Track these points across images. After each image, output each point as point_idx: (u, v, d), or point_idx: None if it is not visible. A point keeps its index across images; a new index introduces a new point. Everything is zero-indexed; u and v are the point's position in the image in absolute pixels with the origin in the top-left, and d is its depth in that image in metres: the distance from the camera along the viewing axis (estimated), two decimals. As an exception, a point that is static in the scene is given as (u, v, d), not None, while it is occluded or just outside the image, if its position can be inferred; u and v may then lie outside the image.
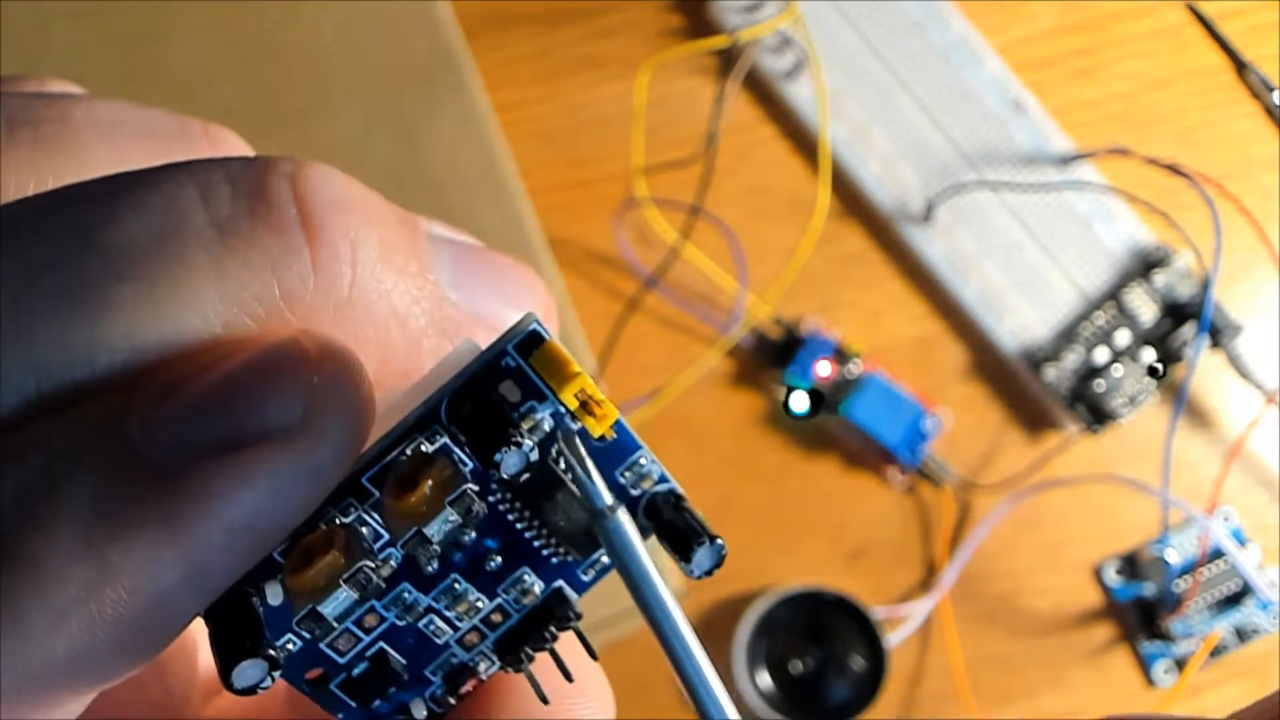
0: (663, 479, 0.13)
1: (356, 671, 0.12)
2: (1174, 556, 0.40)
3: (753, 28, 0.42)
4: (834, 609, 0.40)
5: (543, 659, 0.13)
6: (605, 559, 0.13)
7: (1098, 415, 0.41)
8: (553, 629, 0.13)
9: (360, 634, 0.12)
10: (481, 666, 0.13)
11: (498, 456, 0.11)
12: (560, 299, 0.42)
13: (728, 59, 0.43)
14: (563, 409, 0.12)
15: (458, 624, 0.13)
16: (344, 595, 0.11)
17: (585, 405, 0.12)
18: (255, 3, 0.42)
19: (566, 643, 0.13)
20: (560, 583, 0.13)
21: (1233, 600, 0.40)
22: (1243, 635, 0.40)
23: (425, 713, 0.13)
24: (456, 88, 0.42)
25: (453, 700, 0.13)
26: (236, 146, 0.14)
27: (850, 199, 0.43)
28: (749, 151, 0.43)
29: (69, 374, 0.10)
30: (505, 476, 0.11)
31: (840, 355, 0.41)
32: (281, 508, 0.10)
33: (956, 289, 0.42)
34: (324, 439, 0.10)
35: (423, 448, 0.12)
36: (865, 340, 0.42)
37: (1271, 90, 0.43)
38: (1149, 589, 0.41)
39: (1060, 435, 0.42)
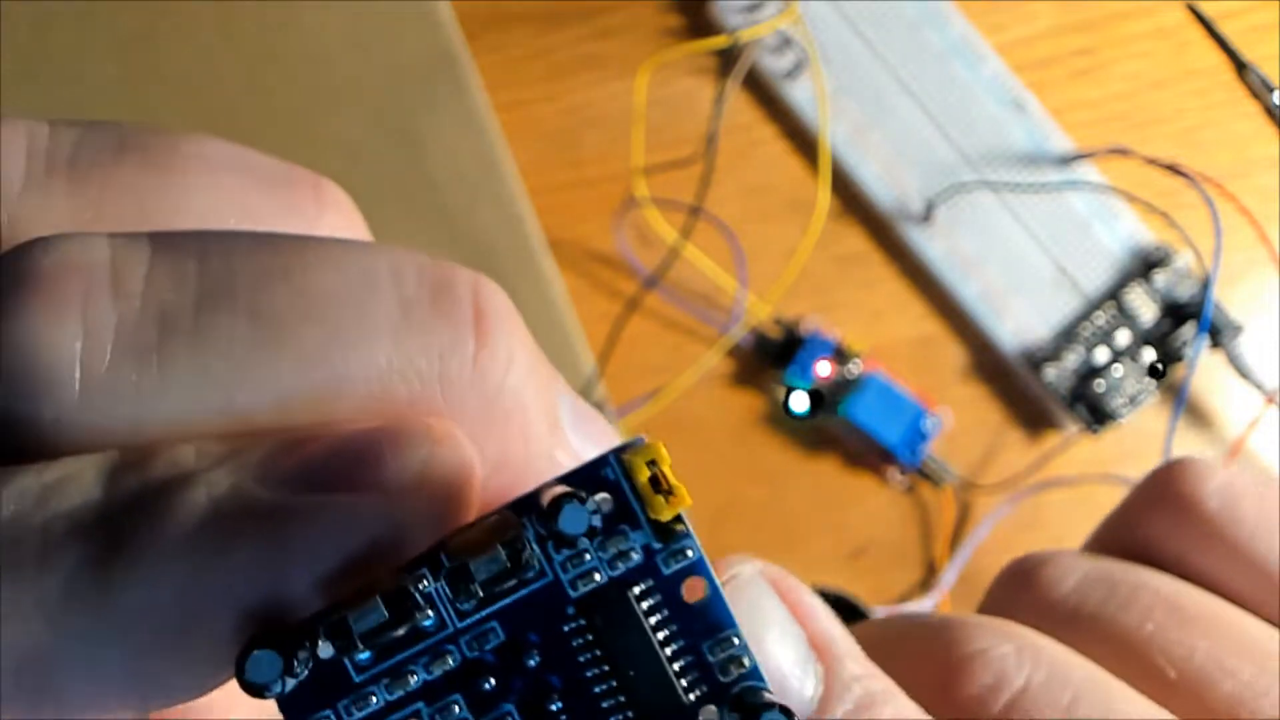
0: (755, 671, 0.12)
1: None
2: (1174, 556, 0.40)
3: (753, 28, 0.42)
4: (834, 609, 0.40)
5: None
6: None
7: (1098, 415, 0.41)
8: None
9: None
10: None
11: (559, 514, 0.11)
12: (560, 299, 0.42)
13: (728, 59, 0.43)
14: (658, 544, 0.12)
15: None
16: (376, 612, 0.11)
17: (655, 481, 0.11)
18: (255, 3, 0.43)
19: None
20: None
21: (1233, 600, 0.40)
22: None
23: None
24: (456, 88, 0.42)
25: None
26: (342, 204, 0.14)
27: (850, 199, 0.43)
28: (749, 151, 0.43)
29: (234, 402, 0.11)
30: (561, 530, 0.11)
31: (840, 355, 0.41)
32: (360, 551, 0.11)
33: (956, 289, 0.42)
34: (418, 501, 0.11)
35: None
36: (865, 340, 0.42)
37: (1271, 90, 0.43)
38: (1149, 589, 0.41)
39: (1060, 435, 0.42)
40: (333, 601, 0.11)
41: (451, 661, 0.11)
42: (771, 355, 0.42)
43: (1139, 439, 0.41)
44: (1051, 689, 0.15)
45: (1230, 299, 0.41)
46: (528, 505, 0.12)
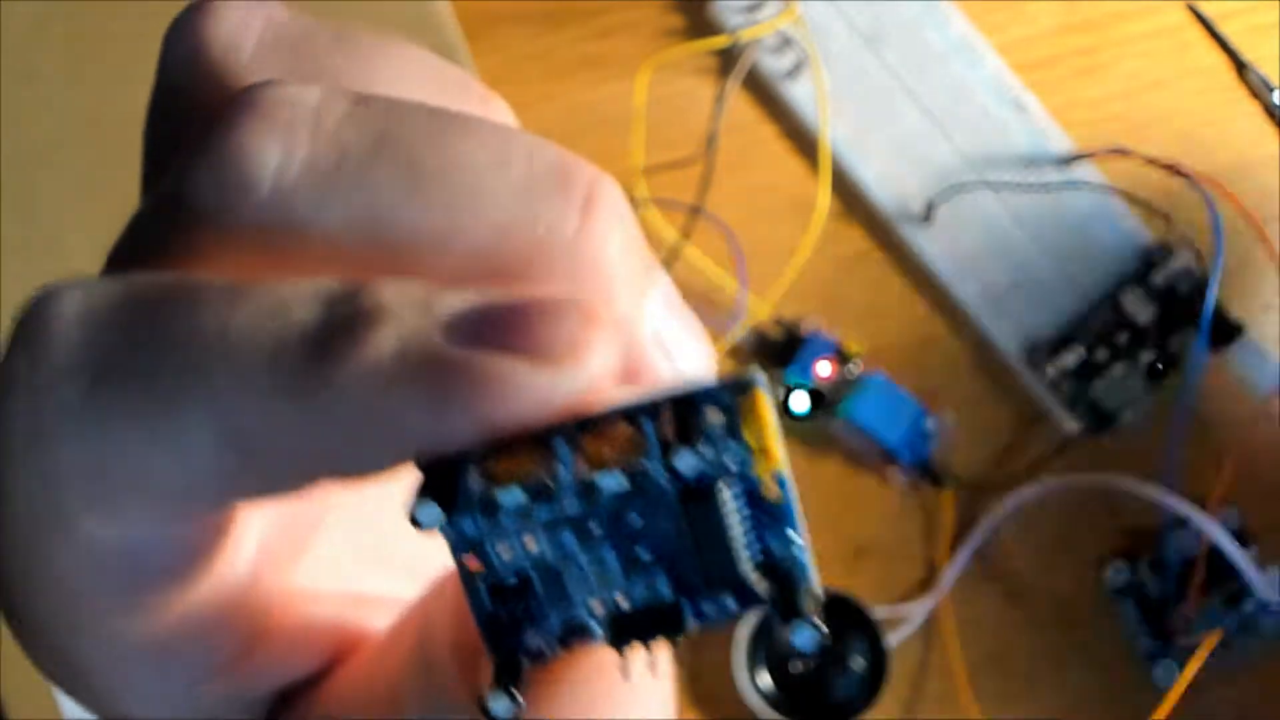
0: (802, 559, 0.15)
1: (505, 581, 0.14)
2: (1174, 556, 0.40)
3: (753, 28, 0.42)
4: (834, 609, 0.40)
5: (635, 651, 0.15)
6: (730, 607, 0.14)
7: (1098, 415, 0.41)
8: (656, 635, 0.14)
9: (520, 551, 0.14)
10: (596, 634, 0.15)
11: (678, 452, 0.13)
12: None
13: (728, 59, 0.43)
14: (749, 462, 0.14)
15: (593, 588, 0.14)
16: (519, 494, 0.13)
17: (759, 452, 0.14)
18: (255, 3, 0.42)
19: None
20: (684, 602, 0.14)
21: (1233, 600, 0.40)
22: (1243, 635, 0.40)
23: (537, 644, 0.14)
24: (456, 88, 0.42)
25: (559, 649, 0.15)
26: (506, 116, 0.17)
27: (850, 199, 0.43)
28: (749, 151, 0.43)
29: (382, 230, 0.13)
30: (677, 468, 0.13)
31: (841, 355, 0.41)
32: (519, 411, 0.13)
33: (956, 289, 0.42)
34: (576, 371, 0.13)
35: (631, 419, 0.13)
36: (865, 340, 0.42)
37: (1271, 90, 0.43)
38: (1149, 589, 0.41)
39: (1060, 435, 0.42)
40: (487, 445, 0.13)
41: (568, 509, 0.14)
42: (772, 355, 0.42)
43: (1139, 439, 0.41)
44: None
45: (1230, 299, 0.41)
46: (653, 420, 0.13)
